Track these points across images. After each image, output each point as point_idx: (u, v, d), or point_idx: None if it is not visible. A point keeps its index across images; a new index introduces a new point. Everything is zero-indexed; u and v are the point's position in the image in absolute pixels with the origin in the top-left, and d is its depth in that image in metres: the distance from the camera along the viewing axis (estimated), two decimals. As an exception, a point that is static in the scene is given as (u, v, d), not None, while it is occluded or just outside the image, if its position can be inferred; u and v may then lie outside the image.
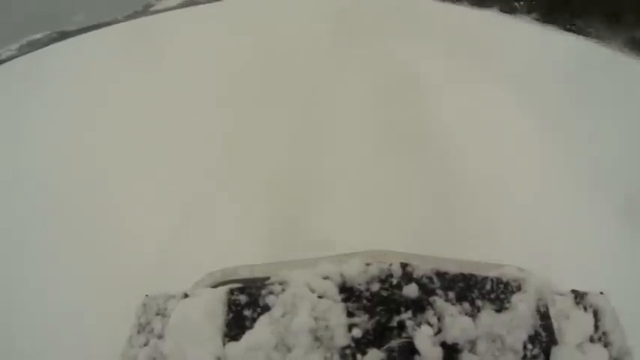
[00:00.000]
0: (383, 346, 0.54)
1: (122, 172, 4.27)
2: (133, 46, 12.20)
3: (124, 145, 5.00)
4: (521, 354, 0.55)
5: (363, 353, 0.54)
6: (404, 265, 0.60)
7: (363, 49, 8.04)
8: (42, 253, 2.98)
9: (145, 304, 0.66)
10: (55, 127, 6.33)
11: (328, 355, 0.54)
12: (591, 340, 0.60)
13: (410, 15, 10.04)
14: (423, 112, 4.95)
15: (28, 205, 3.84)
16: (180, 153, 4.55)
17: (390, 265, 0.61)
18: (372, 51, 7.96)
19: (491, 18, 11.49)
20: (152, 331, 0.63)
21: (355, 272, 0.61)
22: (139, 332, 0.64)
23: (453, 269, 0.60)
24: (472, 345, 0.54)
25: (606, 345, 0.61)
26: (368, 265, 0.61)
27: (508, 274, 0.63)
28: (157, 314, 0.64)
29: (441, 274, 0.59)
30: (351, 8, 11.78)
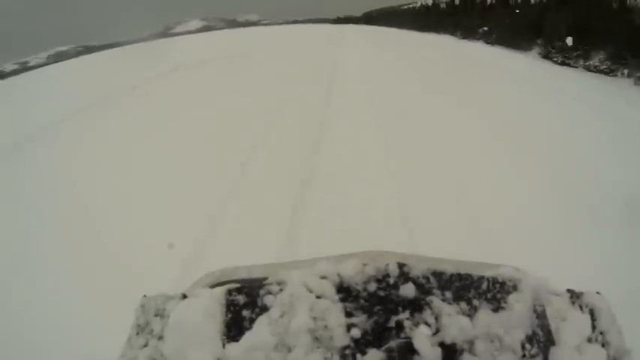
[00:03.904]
0: (382, 346, 0.47)
1: (129, 178, 3.99)
2: (153, 64, 12.15)
3: (135, 153, 4.72)
4: (520, 354, 0.47)
5: (363, 353, 0.47)
6: (401, 265, 0.54)
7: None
8: (43, 255, 2.75)
9: (143, 305, 0.59)
10: (75, 134, 6.01)
11: (328, 355, 0.47)
12: (589, 340, 0.52)
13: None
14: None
15: (32, 208, 3.58)
16: (187, 163, 4.25)
17: (387, 265, 0.54)
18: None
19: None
20: (151, 332, 0.55)
21: (352, 272, 0.53)
22: (138, 333, 0.56)
23: (449, 269, 0.55)
24: (471, 345, 0.47)
25: (604, 345, 0.52)
26: (365, 265, 0.54)
27: (504, 274, 0.55)
28: (156, 315, 0.57)
29: (437, 274, 0.54)
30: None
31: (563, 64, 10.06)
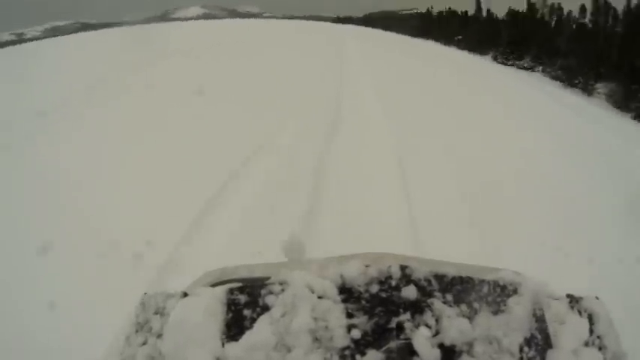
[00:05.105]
0: (382, 347, 0.43)
1: (124, 167, 3.77)
2: (146, 46, 11.75)
3: (129, 139, 4.44)
4: (518, 356, 0.44)
5: (362, 354, 0.43)
6: (403, 267, 0.50)
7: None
8: (42, 253, 2.66)
9: (143, 303, 0.54)
10: (65, 113, 5.57)
11: (328, 355, 0.43)
12: (586, 344, 0.48)
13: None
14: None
15: (30, 202, 3.37)
16: (180, 150, 4.01)
17: (389, 266, 0.50)
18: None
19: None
20: (151, 330, 0.51)
21: (355, 273, 0.50)
22: (137, 331, 0.52)
23: (451, 272, 0.51)
24: (470, 347, 0.44)
25: (601, 349, 0.48)
26: (367, 266, 0.51)
27: (505, 277, 0.51)
28: (156, 313, 0.52)
29: (439, 277, 0.50)
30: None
31: (503, 64, 14.34)
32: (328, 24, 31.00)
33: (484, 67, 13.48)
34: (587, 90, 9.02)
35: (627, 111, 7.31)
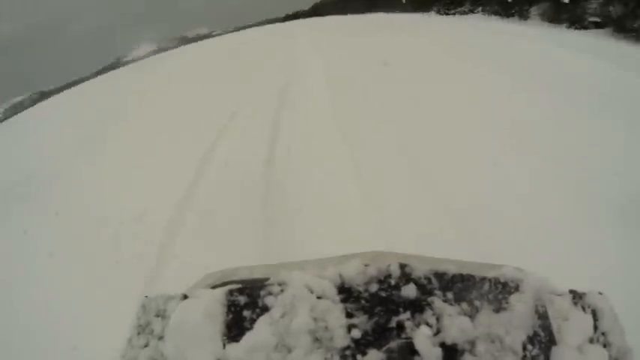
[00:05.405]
0: (382, 346, 0.43)
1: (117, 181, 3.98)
2: (110, 97, 11.87)
3: (114, 182, 4.48)
4: (521, 354, 0.44)
5: (363, 354, 0.43)
6: (402, 266, 0.50)
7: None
8: (42, 256, 2.69)
9: (144, 306, 0.55)
10: (48, 180, 5.46)
11: (328, 356, 0.44)
12: (590, 340, 0.47)
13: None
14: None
15: (27, 210, 3.56)
16: (156, 175, 4.22)
17: (389, 265, 0.50)
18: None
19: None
20: (152, 332, 0.51)
21: (354, 273, 0.50)
22: (138, 334, 0.52)
23: (451, 270, 0.51)
24: (472, 346, 0.44)
25: (605, 345, 0.48)
26: (366, 265, 0.51)
27: (506, 274, 0.51)
28: (157, 315, 0.53)
29: (439, 275, 0.50)
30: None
31: (446, 14, 16.54)
32: (277, 25, 31.30)
33: (426, 22, 14.44)
34: (524, 15, 10.22)
35: (560, 23, 8.30)
